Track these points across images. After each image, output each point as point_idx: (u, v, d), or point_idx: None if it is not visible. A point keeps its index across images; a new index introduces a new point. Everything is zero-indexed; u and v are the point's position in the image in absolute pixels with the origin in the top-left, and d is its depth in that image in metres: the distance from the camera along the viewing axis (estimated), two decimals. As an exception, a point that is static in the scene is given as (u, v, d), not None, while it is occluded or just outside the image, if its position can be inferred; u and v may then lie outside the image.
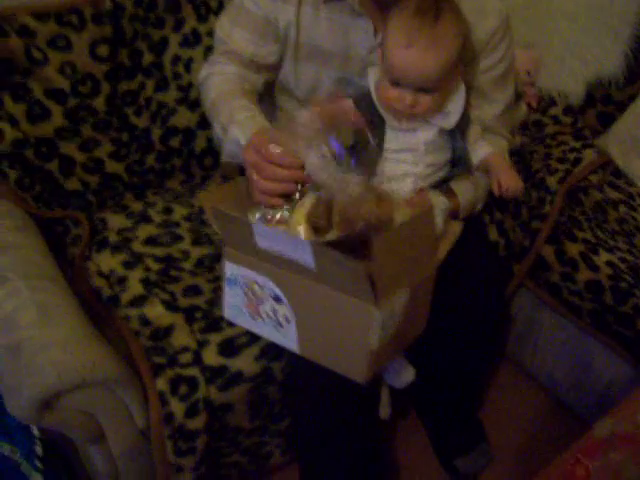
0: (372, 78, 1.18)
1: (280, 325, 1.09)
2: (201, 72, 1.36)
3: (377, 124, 1.16)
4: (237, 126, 1.19)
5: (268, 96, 1.41)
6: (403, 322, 1.06)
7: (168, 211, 1.53)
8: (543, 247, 1.59)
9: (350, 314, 1.01)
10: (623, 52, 1.88)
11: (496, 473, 1.59)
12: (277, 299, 1.07)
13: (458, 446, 1.61)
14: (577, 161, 1.79)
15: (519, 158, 1.75)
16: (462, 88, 1.19)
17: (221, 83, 1.29)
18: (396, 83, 1.11)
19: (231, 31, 1.28)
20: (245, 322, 1.14)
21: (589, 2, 1.88)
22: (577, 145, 1.85)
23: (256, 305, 1.11)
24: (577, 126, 1.93)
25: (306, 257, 0.97)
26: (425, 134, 1.17)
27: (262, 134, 1.11)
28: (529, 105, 1.95)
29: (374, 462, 1.46)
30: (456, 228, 1.21)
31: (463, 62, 1.19)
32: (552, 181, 1.69)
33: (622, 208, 1.71)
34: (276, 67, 1.31)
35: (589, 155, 1.81)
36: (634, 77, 1.89)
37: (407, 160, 1.18)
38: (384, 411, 1.36)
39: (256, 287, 1.09)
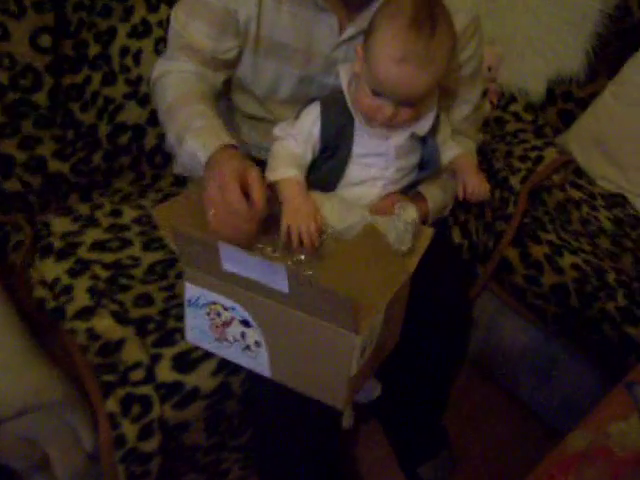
0: (344, 77, 1.11)
1: (249, 349, 1.03)
2: (155, 69, 1.25)
3: (345, 126, 1.10)
4: (194, 137, 1.08)
5: (225, 95, 1.33)
6: (379, 340, 1.01)
7: (116, 214, 1.44)
8: (507, 249, 1.55)
9: (328, 340, 0.95)
10: (584, 49, 1.86)
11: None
12: (245, 323, 1.00)
13: (421, 453, 1.57)
14: (539, 160, 1.76)
15: (481, 157, 1.71)
16: (436, 92, 1.14)
17: (178, 84, 1.18)
18: (377, 93, 1.04)
19: (188, 24, 1.18)
20: (210, 345, 1.06)
21: (548, 1, 1.85)
22: (539, 143, 1.82)
23: (222, 328, 1.03)
24: (538, 123, 1.90)
25: (280, 282, 0.91)
26: (397, 139, 1.11)
27: (227, 162, 1.02)
28: (491, 102, 1.92)
29: (336, 471, 1.41)
30: (427, 234, 1.15)
31: None
32: (515, 181, 1.66)
33: (584, 208, 1.69)
34: (235, 64, 1.23)
35: (551, 154, 1.78)
36: (595, 74, 1.88)
37: (377, 164, 1.12)
38: (347, 421, 1.31)
39: (221, 309, 1.02)
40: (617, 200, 1.74)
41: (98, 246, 1.35)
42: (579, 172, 1.80)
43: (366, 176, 1.12)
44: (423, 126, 1.12)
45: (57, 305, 1.22)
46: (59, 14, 1.35)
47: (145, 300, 1.26)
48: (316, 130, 1.09)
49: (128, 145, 1.51)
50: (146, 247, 1.37)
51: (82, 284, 1.26)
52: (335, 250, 1.03)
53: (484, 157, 1.72)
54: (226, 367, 1.18)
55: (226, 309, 1.00)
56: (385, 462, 1.58)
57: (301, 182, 1.07)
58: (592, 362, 1.50)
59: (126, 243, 1.37)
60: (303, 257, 1.03)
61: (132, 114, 1.49)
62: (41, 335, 1.14)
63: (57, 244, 1.34)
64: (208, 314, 1.03)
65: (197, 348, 1.17)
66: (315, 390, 1.02)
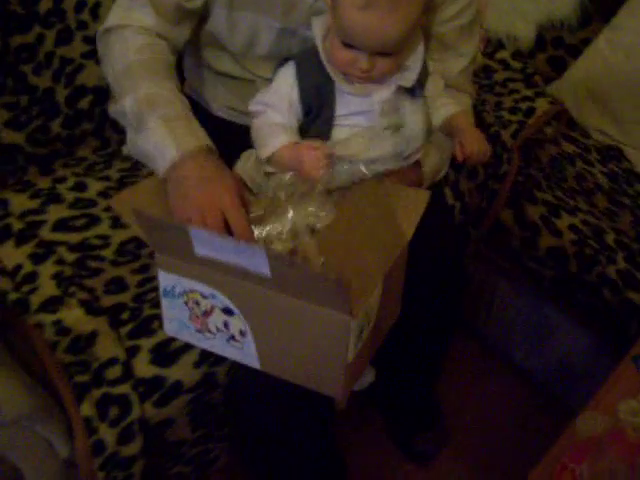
0: (319, 31, 0.99)
1: (234, 339, 0.93)
2: (110, 17, 1.08)
3: (325, 86, 0.99)
4: (164, 124, 0.95)
5: (192, 50, 1.19)
6: (377, 320, 0.92)
7: (81, 187, 1.31)
8: (502, 210, 1.47)
9: (320, 325, 0.85)
10: (575, -10, 1.74)
11: (455, 451, 1.51)
12: (228, 311, 0.90)
13: (416, 425, 1.51)
14: (530, 111, 1.67)
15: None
16: (421, 39, 1.02)
17: (143, 46, 1.03)
18: (349, 45, 0.93)
19: None
20: (190, 337, 0.96)
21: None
22: (529, 93, 1.72)
23: (202, 318, 0.93)
24: (527, 72, 1.79)
25: (261, 266, 0.80)
26: (380, 94, 1.00)
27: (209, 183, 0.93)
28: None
29: (332, 453, 1.35)
30: (423, 198, 1.02)
31: (426, 11, 1.01)
32: (506, 136, 1.56)
33: (579, 163, 1.60)
34: (202, 16, 1.09)
35: (542, 104, 1.68)
36: (588, 19, 1.77)
37: (360, 124, 1.01)
38: (341, 402, 1.23)
39: (199, 298, 0.91)
40: (612, 153, 1.66)
41: (62, 225, 1.23)
42: (572, 124, 1.71)
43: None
44: (408, 77, 1.00)
45: (20, 296, 1.10)
46: (2, -35, 1.20)
47: (117, 285, 1.15)
48: (295, 94, 0.99)
49: (90, 109, 1.37)
50: (115, 224, 1.25)
51: (47, 270, 1.15)
52: (330, 222, 0.92)
53: (473, 109, 1.61)
54: (209, 356, 1.09)
55: (205, 297, 0.90)
56: (377, 436, 1.52)
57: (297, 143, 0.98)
58: (589, 326, 1.44)
59: (93, 220, 1.25)
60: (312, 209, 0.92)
61: (92, 75, 1.35)
62: (3, 333, 1.04)
63: (16, 225, 1.21)
64: (186, 303, 0.93)
65: (176, 338, 1.07)
66: (310, 381, 0.93)
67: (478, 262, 1.57)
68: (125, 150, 1.05)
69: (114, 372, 1.03)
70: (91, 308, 1.10)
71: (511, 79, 1.76)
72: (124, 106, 1.00)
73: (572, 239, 1.39)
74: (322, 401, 1.16)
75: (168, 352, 1.08)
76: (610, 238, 1.41)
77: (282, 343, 0.90)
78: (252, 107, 1.03)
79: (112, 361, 1.04)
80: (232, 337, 0.93)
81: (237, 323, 0.90)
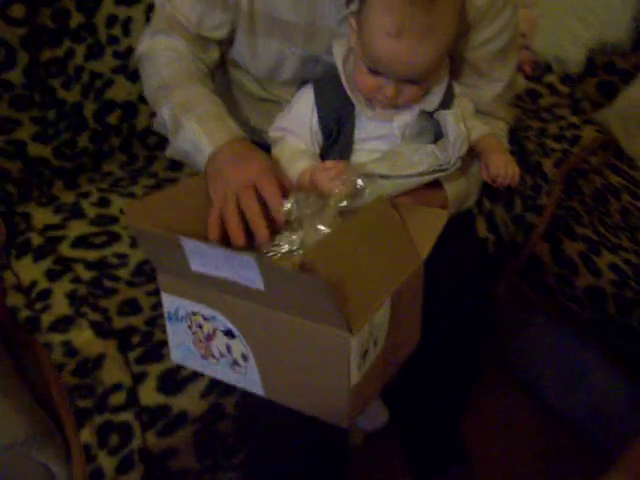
0: (340, 54, 0.97)
1: (237, 364, 0.89)
2: (141, 42, 1.11)
3: (345, 110, 0.96)
4: (198, 123, 0.98)
5: (223, 71, 1.17)
6: (388, 340, 0.86)
7: (104, 203, 1.30)
8: (538, 244, 1.40)
9: (319, 344, 0.80)
10: (631, 14, 1.67)
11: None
12: (229, 334, 0.86)
13: (439, 461, 1.45)
14: (575, 139, 1.59)
15: (511, 136, 1.54)
16: (447, 63, 0.99)
17: (171, 62, 1.05)
18: (375, 72, 0.90)
19: (176, 1, 1.04)
20: (197, 364, 0.93)
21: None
22: (575, 120, 1.64)
23: (206, 342, 0.90)
24: (575, 97, 1.71)
25: (253, 277, 0.76)
26: (400, 119, 0.97)
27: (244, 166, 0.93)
28: (523, 71, 1.73)
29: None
30: (441, 217, 0.96)
31: (457, 36, 0.97)
32: (548, 166, 1.49)
33: (625, 196, 1.52)
34: (227, 43, 1.08)
35: (589, 132, 1.60)
36: (641, 43, 1.68)
37: (380, 148, 0.98)
38: (356, 438, 1.18)
39: (202, 320, 0.88)
40: (662, 187, 1.57)
41: (82, 241, 1.22)
42: (620, 154, 1.63)
43: None
44: (432, 101, 0.97)
45: (32, 314, 1.09)
46: (34, -21, 1.20)
47: (131, 307, 1.13)
48: (314, 118, 0.97)
49: (118, 125, 1.37)
50: (135, 242, 1.23)
51: (62, 288, 1.13)
52: (336, 230, 0.88)
53: (514, 136, 1.55)
54: (217, 386, 1.06)
55: (207, 319, 0.87)
56: (397, 470, 1.47)
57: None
58: (627, 371, 1.36)
59: (113, 237, 1.24)
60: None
61: (122, 90, 1.35)
62: (12, 351, 1.03)
63: (36, 240, 1.21)
64: (190, 327, 0.90)
65: (186, 365, 1.05)
66: (315, 407, 0.87)
67: (513, 296, 1.50)
68: (167, 153, 1.07)
69: (118, 398, 1.01)
70: (101, 330, 1.08)
71: (557, 105, 1.69)
72: (162, 116, 1.04)
73: (612, 279, 1.32)
74: (336, 435, 1.12)
75: (176, 380, 1.05)
76: (654, 280, 1.33)
77: (284, 367, 0.86)
78: (272, 133, 1.01)
79: (117, 387, 1.02)
80: (235, 362, 0.89)
81: (239, 346, 0.87)
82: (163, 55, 1.07)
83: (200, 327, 0.89)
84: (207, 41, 1.06)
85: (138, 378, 1.04)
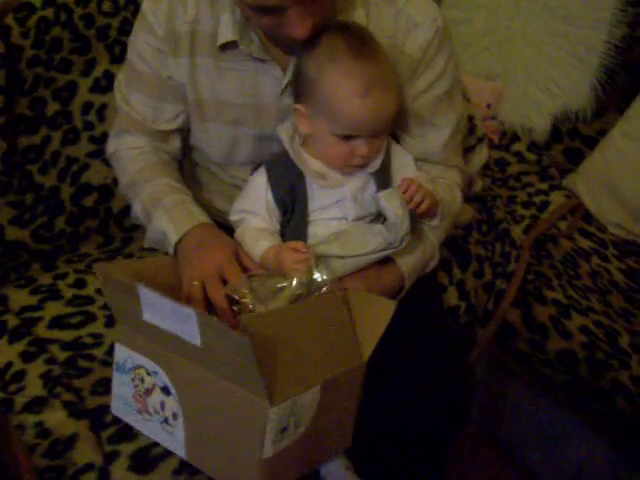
0: (285, 135, 1.02)
1: (167, 422, 0.91)
2: (109, 142, 1.20)
3: (297, 184, 1.01)
4: (164, 213, 1.06)
5: (185, 154, 1.22)
6: (314, 427, 0.87)
7: (80, 284, 1.32)
8: (509, 311, 1.42)
9: (239, 410, 0.82)
10: (591, 83, 1.74)
11: None
12: (166, 390, 0.89)
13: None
14: (544, 205, 1.64)
15: (481, 205, 1.58)
16: None
17: (135, 158, 1.13)
18: (349, 137, 0.96)
19: (128, 95, 1.12)
20: (132, 418, 0.95)
21: (553, 29, 1.73)
22: (544, 187, 1.70)
23: (144, 397, 0.93)
24: (543, 164, 1.77)
25: (192, 331, 0.80)
26: (352, 183, 1.02)
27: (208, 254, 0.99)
28: (490, 140, 1.79)
29: None
30: (388, 308, 0.94)
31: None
32: (517, 232, 1.53)
33: (594, 259, 1.55)
34: (183, 131, 1.15)
35: (557, 198, 1.65)
36: (603, 110, 1.75)
37: (335, 216, 1.02)
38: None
39: (145, 375, 0.92)
40: (630, 248, 1.60)
41: (58, 322, 1.24)
42: (589, 218, 1.67)
43: (329, 231, 1.01)
44: (374, 163, 1.02)
45: (5, 396, 1.10)
46: (12, 71, 1.25)
47: (104, 386, 1.14)
48: (269, 196, 1.03)
49: (94, 207, 1.41)
50: (110, 322, 1.25)
51: (36, 369, 1.14)
52: (284, 308, 0.91)
53: (483, 205, 1.59)
54: (189, 465, 1.05)
55: (149, 374, 0.91)
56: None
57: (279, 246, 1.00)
58: (605, 434, 1.36)
59: (89, 318, 1.25)
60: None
61: (98, 173, 1.40)
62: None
63: (12, 322, 1.22)
64: (133, 380, 0.93)
65: (158, 443, 1.05)
66: (225, 475, 0.88)
67: (487, 363, 1.51)
68: (145, 244, 1.13)
69: (89, 478, 1.01)
70: (74, 411, 1.08)
71: (526, 172, 1.74)
72: (135, 211, 1.13)
73: (583, 342, 1.33)
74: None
75: (148, 458, 1.05)
76: (624, 341, 1.34)
77: (207, 430, 0.88)
78: (232, 217, 1.06)
79: (89, 466, 1.02)
80: (166, 420, 0.91)
81: (172, 404, 0.89)
82: (128, 154, 1.15)
83: (142, 381, 0.92)
84: (166, 133, 1.13)
85: (110, 457, 1.04)
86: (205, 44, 1.05)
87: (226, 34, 1.02)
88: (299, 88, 1.00)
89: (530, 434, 1.51)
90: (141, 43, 1.08)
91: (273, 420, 0.80)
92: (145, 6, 1.07)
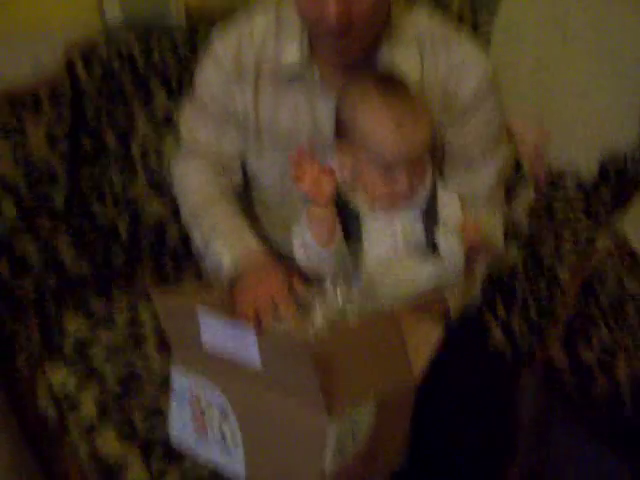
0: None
1: (226, 444, 0.93)
2: (173, 168, 1.27)
3: (351, 221, 1.03)
4: (220, 239, 1.11)
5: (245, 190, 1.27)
6: (370, 444, 0.88)
7: (134, 311, 1.37)
8: (554, 351, 1.41)
9: (299, 426, 0.84)
10: (638, 123, 1.73)
11: None
12: (224, 413, 0.92)
13: None
14: (591, 245, 1.63)
15: (526, 244, 1.59)
16: (428, 157, 1.06)
17: (198, 186, 1.19)
18: (388, 167, 1.00)
19: (194, 127, 1.19)
20: (190, 444, 0.98)
21: (598, 73, 1.74)
22: (590, 227, 1.68)
23: (202, 420, 0.95)
24: (590, 205, 1.77)
25: (251, 348, 0.83)
26: (401, 218, 1.04)
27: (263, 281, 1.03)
28: (537, 181, 1.79)
29: None
30: (432, 334, 0.97)
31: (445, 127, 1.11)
32: (563, 271, 1.53)
33: (643, 302, 1.53)
34: (242, 160, 1.20)
35: (604, 238, 1.64)
36: (652, 152, 1.74)
37: (386, 248, 1.04)
38: None
39: (203, 399, 0.94)
40: (679, 291, 1.58)
41: (112, 349, 1.29)
42: (636, 259, 1.65)
43: (380, 263, 1.03)
44: (419, 198, 1.05)
45: (61, 418, 1.15)
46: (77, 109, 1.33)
47: (156, 412, 1.18)
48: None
49: (149, 240, 1.47)
50: (162, 348, 1.28)
51: (90, 395, 1.19)
52: (342, 329, 0.92)
53: (529, 244, 1.60)
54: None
55: (208, 399, 0.93)
56: None
57: None
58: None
59: (141, 344, 1.30)
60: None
61: (153, 209, 1.46)
62: (44, 451, 1.08)
63: (69, 347, 1.28)
64: (190, 404, 0.96)
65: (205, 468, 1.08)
66: None
67: (533, 406, 1.50)
68: (205, 273, 1.22)
69: (139, 503, 1.04)
70: (126, 436, 1.13)
71: (572, 212, 1.74)
72: (195, 241, 1.18)
73: (629, 384, 1.32)
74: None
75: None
76: (672, 384, 1.32)
77: (268, 450, 0.89)
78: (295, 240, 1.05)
79: (138, 491, 1.06)
80: (225, 442, 0.93)
81: (231, 426, 0.91)
82: (191, 182, 1.20)
83: (200, 404, 0.94)
84: (228, 158, 1.18)
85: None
86: (268, 70, 1.11)
87: (290, 57, 1.08)
88: (338, 130, 1.04)
89: (574, 476, 1.49)
90: (209, 77, 1.14)
91: (332, 434, 0.81)
92: (217, 44, 1.13)
